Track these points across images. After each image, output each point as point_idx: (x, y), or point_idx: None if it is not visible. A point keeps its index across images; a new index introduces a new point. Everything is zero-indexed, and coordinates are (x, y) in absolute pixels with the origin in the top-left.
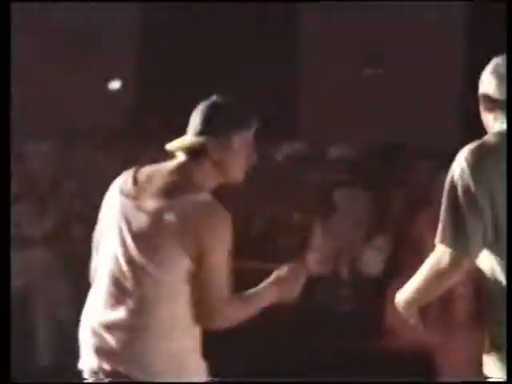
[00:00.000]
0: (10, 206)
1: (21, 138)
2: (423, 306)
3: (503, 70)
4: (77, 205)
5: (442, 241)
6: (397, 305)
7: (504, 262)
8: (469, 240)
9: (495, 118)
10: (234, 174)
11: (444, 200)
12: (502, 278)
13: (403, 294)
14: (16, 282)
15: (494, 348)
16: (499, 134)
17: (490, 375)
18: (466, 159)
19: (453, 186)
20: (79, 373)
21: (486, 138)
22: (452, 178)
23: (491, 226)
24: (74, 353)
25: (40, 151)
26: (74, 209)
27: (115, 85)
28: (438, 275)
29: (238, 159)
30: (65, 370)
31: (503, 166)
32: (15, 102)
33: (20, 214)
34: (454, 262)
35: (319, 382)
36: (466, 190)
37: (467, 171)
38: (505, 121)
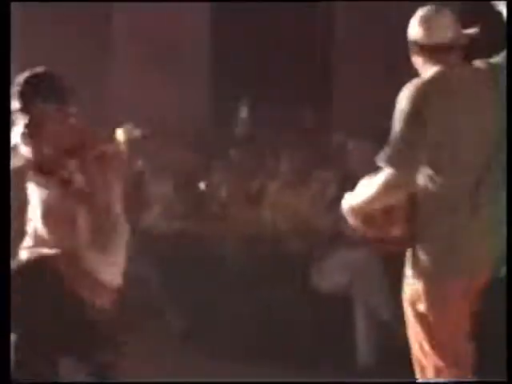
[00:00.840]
0: (9, 205)
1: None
2: (367, 214)
3: (429, 16)
4: None
5: (391, 164)
6: (344, 211)
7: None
8: (413, 165)
9: (424, 61)
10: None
11: (393, 127)
12: (434, 191)
13: (350, 203)
14: (341, 280)
15: (420, 261)
16: (436, 72)
17: (408, 282)
18: (412, 93)
19: (401, 116)
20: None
21: (424, 76)
22: (400, 108)
23: (443, 148)
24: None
25: None
26: None
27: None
28: (385, 192)
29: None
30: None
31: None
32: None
33: None
34: (400, 182)
35: (319, 382)
36: (413, 119)
37: (417, 103)
38: (432, 63)
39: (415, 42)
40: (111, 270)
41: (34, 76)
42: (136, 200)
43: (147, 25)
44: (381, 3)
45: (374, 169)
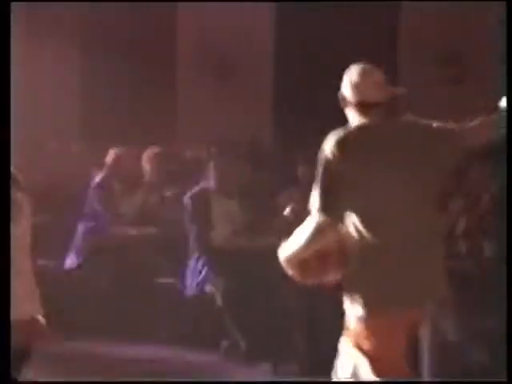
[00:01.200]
0: (9, 205)
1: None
2: (302, 261)
3: (352, 76)
4: None
5: (319, 209)
6: (281, 260)
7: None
8: (340, 209)
9: (352, 114)
10: None
11: (318, 176)
12: (365, 236)
13: (285, 252)
14: None
15: (353, 286)
16: (359, 126)
17: (347, 311)
18: (336, 143)
19: (325, 165)
20: None
21: (348, 128)
22: (324, 158)
23: (364, 196)
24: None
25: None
26: None
27: None
28: (314, 237)
29: None
30: None
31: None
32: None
33: None
34: (328, 225)
35: (319, 382)
36: (337, 168)
37: (338, 154)
38: (358, 117)
39: (344, 98)
40: None
41: None
42: (203, 218)
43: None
44: None
45: None
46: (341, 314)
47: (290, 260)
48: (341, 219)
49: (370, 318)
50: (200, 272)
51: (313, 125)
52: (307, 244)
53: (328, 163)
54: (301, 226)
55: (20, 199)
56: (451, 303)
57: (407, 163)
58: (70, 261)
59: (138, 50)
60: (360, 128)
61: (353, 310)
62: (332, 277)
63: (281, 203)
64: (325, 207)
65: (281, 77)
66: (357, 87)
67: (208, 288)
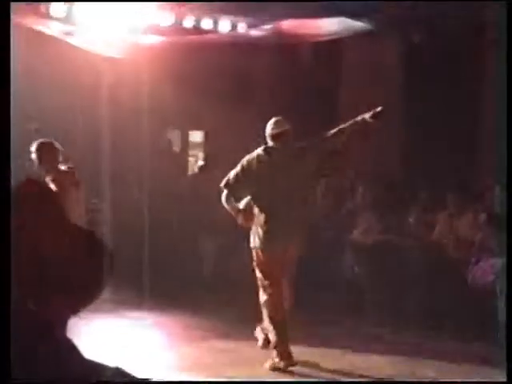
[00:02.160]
0: (10, 205)
1: None
2: (244, 214)
3: (271, 122)
4: None
5: (223, 185)
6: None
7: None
8: (238, 189)
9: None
10: None
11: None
12: (259, 204)
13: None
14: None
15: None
16: (265, 146)
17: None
18: (249, 155)
19: (241, 164)
20: None
21: (261, 148)
22: (242, 162)
23: (257, 184)
24: None
25: None
26: None
27: None
28: (223, 200)
29: None
30: None
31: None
32: None
33: None
34: (227, 195)
35: (319, 382)
36: (242, 167)
37: (247, 159)
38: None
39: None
40: None
41: None
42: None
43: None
44: None
45: None
46: None
47: (234, 211)
48: (238, 194)
49: (260, 249)
50: None
51: None
52: (224, 204)
53: (241, 164)
54: None
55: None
56: None
57: (286, 167)
58: None
59: None
60: (266, 148)
61: (253, 243)
62: (249, 224)
63: None
64: (226, 185)
65: None
66: (270, 128)
67: None
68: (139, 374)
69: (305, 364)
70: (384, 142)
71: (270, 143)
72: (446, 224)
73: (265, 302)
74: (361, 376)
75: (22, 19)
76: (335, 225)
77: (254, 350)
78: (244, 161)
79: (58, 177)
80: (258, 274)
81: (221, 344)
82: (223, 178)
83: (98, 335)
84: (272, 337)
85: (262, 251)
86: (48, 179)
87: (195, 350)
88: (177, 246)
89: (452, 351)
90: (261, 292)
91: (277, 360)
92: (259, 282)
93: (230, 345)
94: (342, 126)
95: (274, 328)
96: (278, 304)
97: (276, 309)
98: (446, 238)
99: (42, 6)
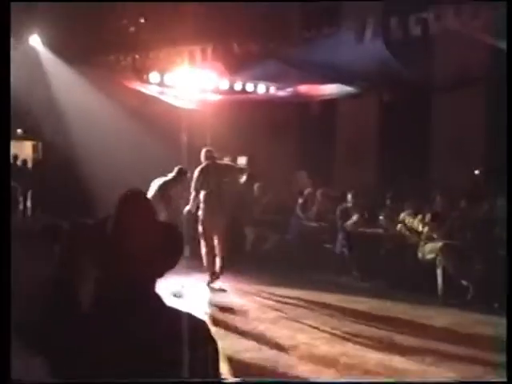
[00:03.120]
0: (10, 206)
1: None
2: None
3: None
4: None
5: (192, 188)
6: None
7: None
8: (198, 190)
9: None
10: None
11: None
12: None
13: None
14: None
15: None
16: (203, 164)
17: None
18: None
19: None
20: None
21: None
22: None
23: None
24: None
25: None
26: None
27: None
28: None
29: None
30: None
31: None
32: None
33: None
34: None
35: (318, 383)
36: (197, 178)
37: (197, 172)
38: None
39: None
40: None
41: None
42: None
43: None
44: None
45: None
46: None
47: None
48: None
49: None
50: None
51: None
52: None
53: (195, 176)
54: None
55: None
56: None
57: (215, 177)
58: None
59: None
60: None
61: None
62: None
63: None
64: (194, 188)
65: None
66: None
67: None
68: None
69: None
70: (364, 165)
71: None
72: (406, 220)
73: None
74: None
75: (129, 83)
76: (332, 219)
77: None
78: (196, 172)
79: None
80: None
81: None
82: (260, 188)
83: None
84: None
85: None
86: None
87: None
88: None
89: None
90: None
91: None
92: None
93: None
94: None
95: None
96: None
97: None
98: (404, 229)
99: (144, 74)
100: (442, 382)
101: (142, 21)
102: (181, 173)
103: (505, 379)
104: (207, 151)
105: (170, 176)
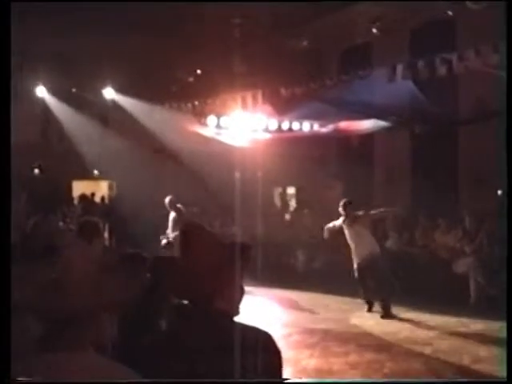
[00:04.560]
0: (10, 206)
1: None
2: None
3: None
4: None
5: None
6: None
7: None
8: None
9: None
10: None
11: None
12: None
13: None
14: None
15: None
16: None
17: None
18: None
19: None
20: None
21: None
22: None
23: None
24: None
25: None
26: None
27: None
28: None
29: None
30: None
31: None
32: None
33: None
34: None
35: (318, 383)
36: None
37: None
38: None
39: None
40: None
41: None
42: None
43: None
44: None
45: None
46: None
47: None
48: None
49: None
50: None
51: None
52: None
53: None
54: None
55: None
56: None
57: None
58: None
59: None
60: None
61: None
62: None
63: None
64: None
65: None
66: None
67: None
68: None
69: None
70: (400, 190)
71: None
72: (439, 238)
73: None
74: None
75: (189, 127)
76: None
77: None
78: None
79: None
80: None
81: None
82: (307, 214)
83: None
84: None
85: None
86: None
87: None
88: (280, 253)
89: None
90: None
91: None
92: None
93: None
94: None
95: None
96: None
97: None
98: (440, 247)
99: (202, 118)
100: (442, 381)
101: (199, 72)
102: None
103: (505, 379)
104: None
105: None
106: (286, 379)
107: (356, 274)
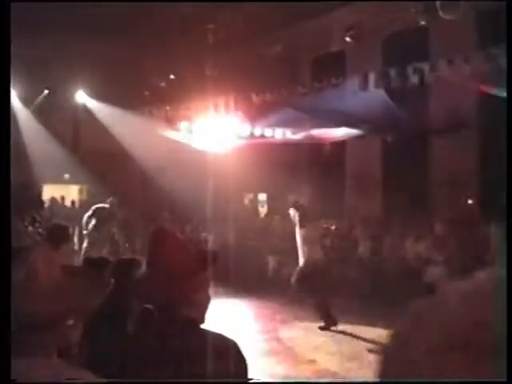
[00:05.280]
0: (9, 207)
1: None
2: None
3: None
4: None
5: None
6: None
7: None
8: None
9: None
10: None
11: None
12: None
13: None
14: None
15: None
16: None
17: None
18: None
19: None
20: None
21: None
22: None
23: None
24: None
25: None
26: None
27: None
28: None
29: None
30: None
31: None
32: None
33: None
34: None
35: (319, 383)
36: None
37: None
38: None
39: None
40: None
41: None
42: None
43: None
44: None
45: None
46: None
47: None
48: None
49: None
50: None
51: None
52: None
53: None
54: None
55: None
56: None
57: None
58: None
59: None
60: None
61: None
62: None
63: None
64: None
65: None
66: None
67: None
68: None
69: None
70: (370, 198)
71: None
72: (410, 247)
73: None
74: None
75: (162, 131)
76: (348, 247)
77: None
78: None
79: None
80: None
81: None
82: (279, 220)
83: None
84: None
85: None
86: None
87: None
88: (250, 259)
89: None
90: None
91: None
92: None
93: None
94: None
95: None
96: None
97: None
98: (408, 254)
99: (179, 124)
100: (442, 381)
101: (172, 77)
102: None
103: (505, 379)
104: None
105: None
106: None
107: (296, 279)
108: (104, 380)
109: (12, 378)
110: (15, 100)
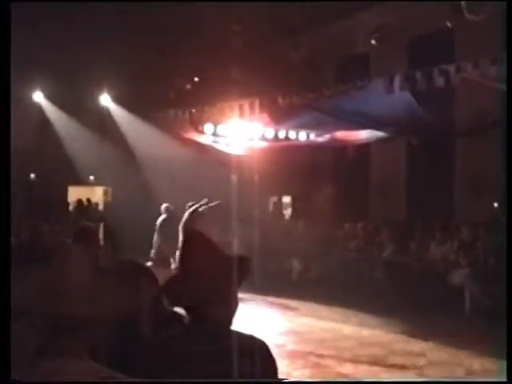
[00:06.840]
0: (9, 208)
1: None
2: None
3: None
4: None
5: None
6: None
7: None
8: None
9: None
10: None
11: None
12: None
13: None
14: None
15: None
16: None
17: None
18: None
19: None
20: None
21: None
22: None
23: None
24: None
25: None
26: None
27: None
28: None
29: None
30: None
31: None
32: None
33: None
34: None
35: (319, 382)
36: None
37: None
38: None
39: None
40: None
41: None
42: None
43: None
44: None
45: None
46: None
47: None
48: None
49: None
50: None
51: None
52: None
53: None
54: None
55: None
56: None
57: None
58: None
59: None
60: None
61: None
62: None
63: None
64: None
65: None
66: None
67: None
68: None
69: None
70: (395, 201)
71: None
72: (435, 249)
73: None
74: None
75: (187, 134)
76: (372, 249)
77: None
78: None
79: None
80: None
81: None
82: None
83: None
84: None
85: None
86: None
87: None
88: (274, 262)
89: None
90: None
91: None
92: None
93: None
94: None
95: None
96: None
97: None
98: (435, 258)
99: (200, 126)
100: (442, 381)
101: (197, 79)
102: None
103: (505, 379)
104: None
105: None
106: (285, 379)
107: None
108: (132, 380)
109: (47, 379)
110: (44, 101)
